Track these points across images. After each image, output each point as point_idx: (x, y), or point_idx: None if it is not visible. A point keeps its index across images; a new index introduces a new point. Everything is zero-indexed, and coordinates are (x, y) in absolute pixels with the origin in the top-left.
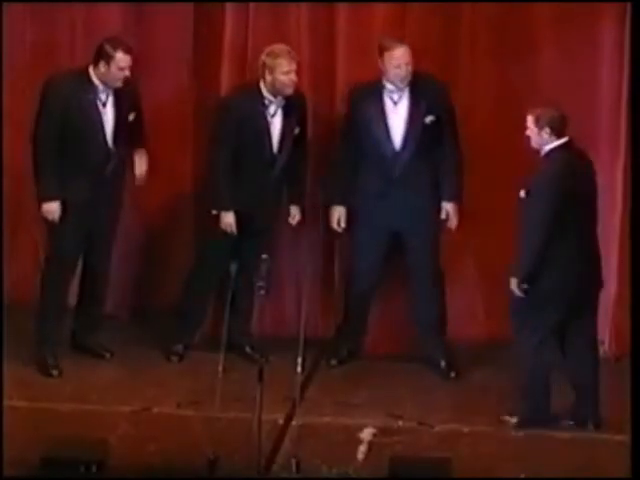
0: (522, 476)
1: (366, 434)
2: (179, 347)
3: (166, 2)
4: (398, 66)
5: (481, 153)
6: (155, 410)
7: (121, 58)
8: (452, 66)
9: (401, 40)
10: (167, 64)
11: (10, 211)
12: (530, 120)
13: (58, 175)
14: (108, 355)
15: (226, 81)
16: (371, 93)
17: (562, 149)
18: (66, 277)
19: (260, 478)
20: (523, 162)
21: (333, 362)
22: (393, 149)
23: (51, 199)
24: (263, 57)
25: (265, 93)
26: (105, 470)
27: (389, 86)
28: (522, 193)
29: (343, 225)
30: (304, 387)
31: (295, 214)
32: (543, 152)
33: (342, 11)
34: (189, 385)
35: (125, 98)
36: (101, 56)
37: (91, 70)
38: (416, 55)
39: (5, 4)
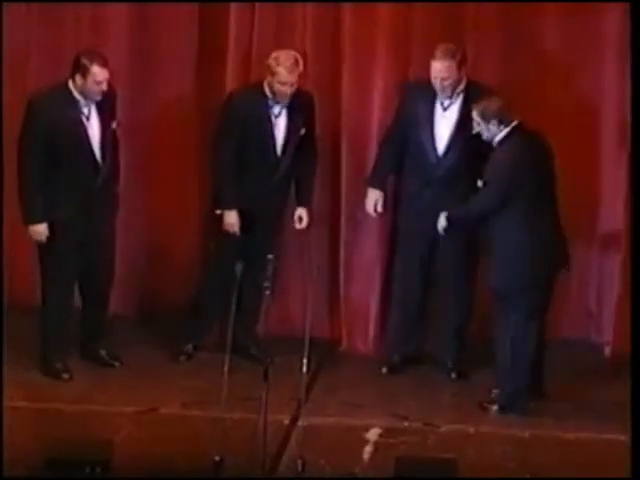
0: (527, 476)
1: (372, 434)
2: (189, 347)
3: (171, 2)
4: (435, 77)
5: None
6: (160, 411)
7: (97, 72)
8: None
9: (451, 53)
10: (172, 64)
11: (11, 211)
12: (475, 115)
13: (45, 196)
14: (117, 364)
15: (230, 81)
16: (424, 94)
17: (513, 135)
18: (65, 289)
19: (265, 478)
20: None
21: (384, 370)
22: (437, 155)
23: (37, 222)
24: (270, 59)
25: (268, 94)
26: (110, 471)
27: (439, 93)
28: (480, 183)
29: (380, 210)
30: (309, 387)
31: (303, 216)
32: (495, 142)
33: (348, 11)
34: (194, 385)
35: (107, 108)
36: (78, 68)
37: (70, 84)
38: (421, 54)
39: (5, 4)
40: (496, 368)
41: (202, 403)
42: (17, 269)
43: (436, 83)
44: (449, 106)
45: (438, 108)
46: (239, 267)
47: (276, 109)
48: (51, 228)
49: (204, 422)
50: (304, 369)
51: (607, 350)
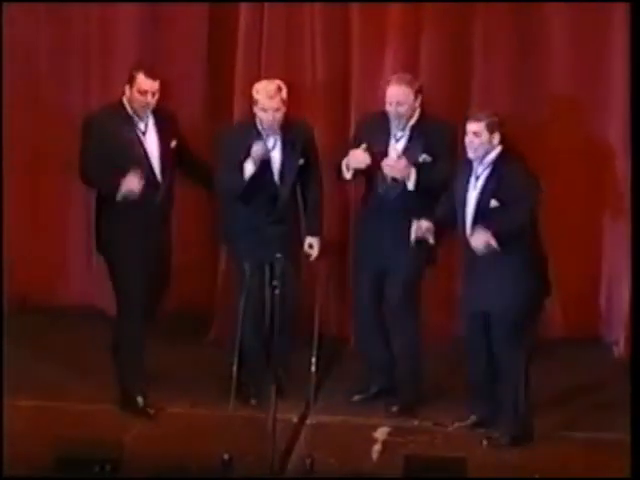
0: (535, 476)
1: (380, 433)
2: None
3: (181, 2)
4: (390, 103)
5: None
6: (169, 410)
7: (142, 81)
8: (466, 65)
9: (408, 79)
10: (181, 63)
11: (11, 211)
12: (481, 127)
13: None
14: (152, 412)
15: (240, 80)
16: (378, 125)
17: (507, 152)
18: (138, 310)
19: (274, 478)
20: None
21: (356, 398)
22: (385, 183)
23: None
24: (252, 90)
25: (259, 127)
26: (119, 470)
27: (393, 121)
28: (494, 202)
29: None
30: (318, 386)
31: (313, 244)
32: (490, 158)
33: (356, 11)
34: (203, 385)
35: (166, 125)
36: (128, 79)
37: (124, 99)
38: (430, 55)
39: (9, 3)
40: (504, 401)
41: (211, 402)
42: (17, 269)
43: (391, 110)
44: (400, 138)
45: (391, 140)
46: (247, 269)
47: (270, 142)
48: (117, 249)
49: (213, 421)
50: (313, 368)
51: (616, 350)
